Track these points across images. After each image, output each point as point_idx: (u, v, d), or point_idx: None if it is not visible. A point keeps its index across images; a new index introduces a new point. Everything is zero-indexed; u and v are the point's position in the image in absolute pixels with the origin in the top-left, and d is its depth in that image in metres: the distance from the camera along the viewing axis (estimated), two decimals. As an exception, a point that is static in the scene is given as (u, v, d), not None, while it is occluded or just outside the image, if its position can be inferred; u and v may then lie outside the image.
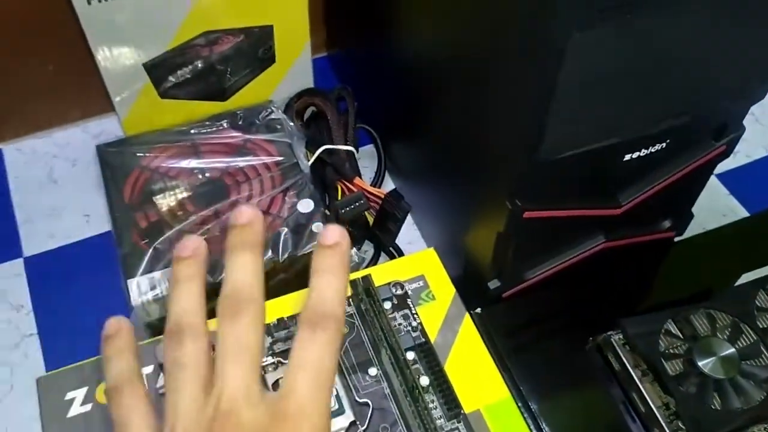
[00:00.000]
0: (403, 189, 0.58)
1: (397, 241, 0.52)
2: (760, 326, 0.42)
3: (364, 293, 0.45)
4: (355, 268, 0.48)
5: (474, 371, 0.44)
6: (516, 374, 0.44)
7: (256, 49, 0.52)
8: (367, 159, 0.61)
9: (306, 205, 0.47)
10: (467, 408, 0.42)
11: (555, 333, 0.45)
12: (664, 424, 0.39)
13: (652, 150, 0.39)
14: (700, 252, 0.50)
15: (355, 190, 0.48)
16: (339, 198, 0.48)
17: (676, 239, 0.51)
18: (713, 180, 0.61)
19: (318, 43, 0.66)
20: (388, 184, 0.60)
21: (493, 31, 0.36)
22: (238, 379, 0.26)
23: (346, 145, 0.51)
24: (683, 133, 0.39)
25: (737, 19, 0.34)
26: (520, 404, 0.42)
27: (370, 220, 0.51)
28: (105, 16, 0.45)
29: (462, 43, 0.41)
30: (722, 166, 0.62)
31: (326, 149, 0.51)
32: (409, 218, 0.58)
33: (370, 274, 0.46)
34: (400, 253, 0.52)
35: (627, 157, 0.39)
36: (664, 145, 0.39)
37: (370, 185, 0.58)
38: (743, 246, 0.49)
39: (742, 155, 0.62)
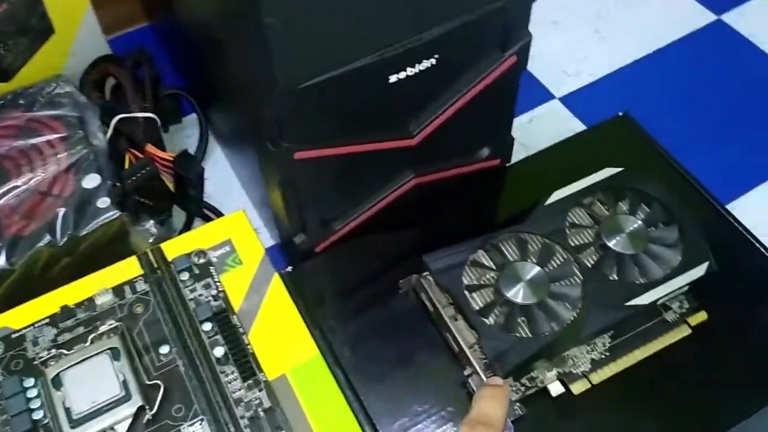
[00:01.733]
0: (228, 155, 0.55)
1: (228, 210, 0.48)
2: (573, 244, 0.40)
3: (160, 266, 0.41)
4: (164, 239, 0.44)
5: (282, 334, 0.41)
6: (326, 328, 0.41)
7: (27, 17, 0.47)
8: (192, 128, 0.57)
9: (91, 181, 0.43)
10: (272, 374, 0.39)
11: (371, 281, 0.42)
12: (475, 362, 0.37)
13: (422, 68, 0.36)
14: (527, 176, 0.47)
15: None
16: (128, 167, 0.44)
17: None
18: (556, 104, 0.58)
19: (137, 14, 0.62)
20: (216, 152, 0.56)
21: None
22: None
23: (143, 111, 0.47)
24: (453, 45, 0.36)
25: None
26: (330, 360, 0.39)
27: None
28: None
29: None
30: (564, 89, 0.60)
31: (121, 119, 0.47)
32: (237, 186, 0.54)
33: (160, 247, 0.43)
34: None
35: (393, 78, 0.35)
36: (434, 61, 0.36)
37: (194, 154, 0.55)
38: (567, 164, 0.46)
39: (585, 75, 0.60)
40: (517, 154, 0.50)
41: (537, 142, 0.55)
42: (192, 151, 0.55)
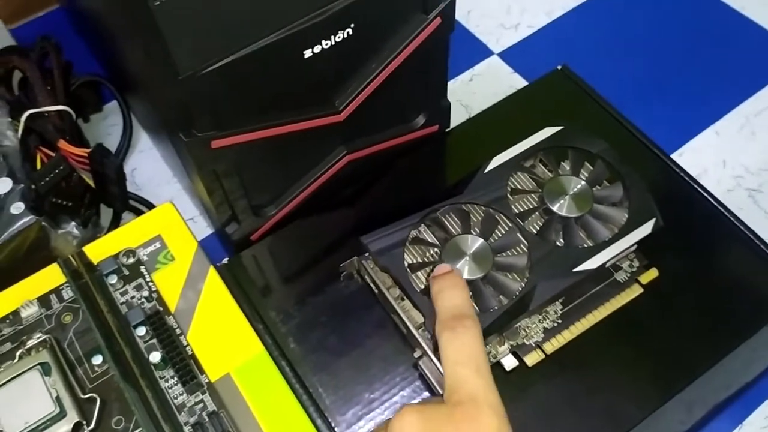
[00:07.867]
0: (155, 141, 0.52)
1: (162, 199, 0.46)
2: (516, 211, 0.38)
3: (84, 272, 0.39)
4: (91, 240, 0.41)
5: (223, 331, 0.39)
6: (269, 322, 0.39)
7: None
8: (116, 115, 0.54)
9: (2, 185, 0.40)
10: (215, 375, 0.37)
11: (311, 266, 0.40)
12: (423, 343, 0.35)
13: (338, 39, 0.33)
14: (467, 141, 0.45)
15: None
16: (39, 168, 0.41)
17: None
18: (495, 60, 0.56)
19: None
20: (142, 139, 0.53)
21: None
22: None
23: (53, 104, 0.44)
24: (369, 13, 0.33)
25: None
26: (275, 354, 0.38)
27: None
28: None
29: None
30: (503, 44, 0.57)
31: (31, 115, 0.43)
32: (169, 173, 0.51)
33: (82, 251, 0.40)
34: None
35: (308, 53, 0.33)
36: (350, 31, 0.33)
37: (119, 144, 0.52)
38: (508, 124, 0.45)
39: (523, 27, 0.57)
40: (460, 117, 0.48)
41: (479, 101, 0.53)
42: (117, 140, 0.52)
